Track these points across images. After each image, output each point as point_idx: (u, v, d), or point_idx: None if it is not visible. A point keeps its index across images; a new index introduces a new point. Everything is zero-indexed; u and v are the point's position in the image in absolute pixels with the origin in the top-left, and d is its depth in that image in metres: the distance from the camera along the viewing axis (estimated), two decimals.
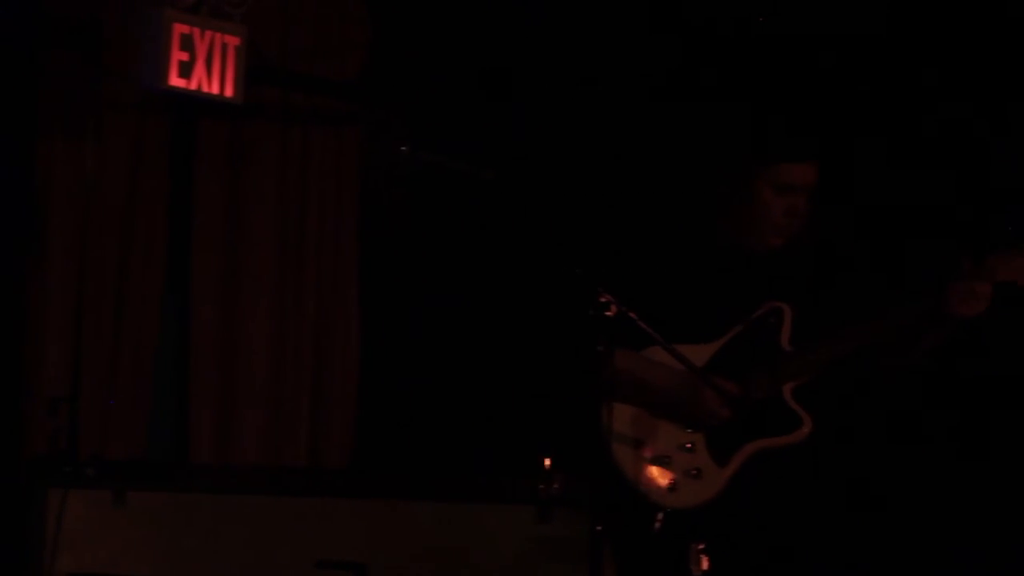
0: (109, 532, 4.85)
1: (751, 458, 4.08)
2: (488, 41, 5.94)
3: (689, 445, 4.10)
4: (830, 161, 4.23)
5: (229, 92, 5.47)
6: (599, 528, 3.68)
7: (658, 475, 4.13)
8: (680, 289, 4.17)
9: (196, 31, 5.37)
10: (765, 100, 5.55)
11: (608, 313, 3.67)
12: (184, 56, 5.33)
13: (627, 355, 3.94)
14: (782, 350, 4.14)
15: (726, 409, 4.05)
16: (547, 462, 4.80)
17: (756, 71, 5.65)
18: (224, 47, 5.43)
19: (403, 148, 4.09)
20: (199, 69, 5.38)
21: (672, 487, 4.08)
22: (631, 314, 3.72)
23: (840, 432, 4.47)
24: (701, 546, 3.87)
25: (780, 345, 4.15)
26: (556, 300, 3.99)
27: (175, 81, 5.30)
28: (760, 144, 4.26)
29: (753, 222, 4.18)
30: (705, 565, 3.87)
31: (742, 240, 4.21)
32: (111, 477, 4.93)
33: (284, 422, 5.89)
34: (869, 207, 5.40)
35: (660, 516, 4.05)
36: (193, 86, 5.40)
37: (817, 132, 4.44)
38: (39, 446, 5.15)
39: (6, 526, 5.12)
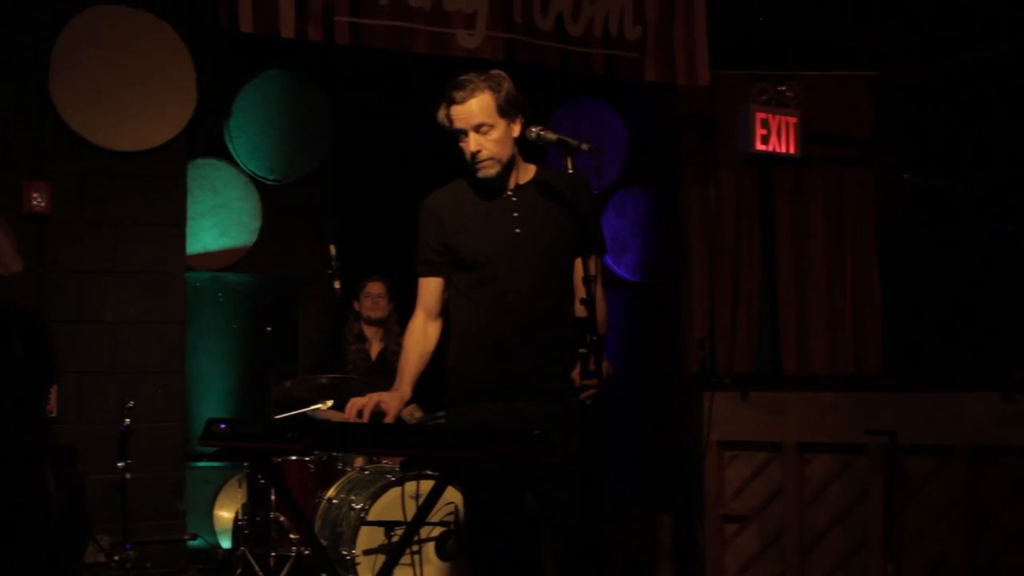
0: (739, 416, 6.07)
1: None
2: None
3: None
4: None
5: (792, 150, 7.03)
6: None
7: None
8: None
9: (769, 115, 6.96)
10: None
11: None
12: (764, 131, 6.93)
13: None
14: None
15: None
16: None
17: None
18: (787, 124, 7.01)
19: (906, 176, 5.57)
20: (773, 138, 6.93)
21: None
22: None
23: None
24: None
25: None
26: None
27: (759, 146, 6.94)
28: None
29: None
30: None
31: None
32: (739, 384, 6.14)
33: (839, 343, 7.24)
34: None
35: None
36: (770, 148, 6.94)
37: None
38: (693, 368, 6.66)
39: (676, 417, 6.60)
